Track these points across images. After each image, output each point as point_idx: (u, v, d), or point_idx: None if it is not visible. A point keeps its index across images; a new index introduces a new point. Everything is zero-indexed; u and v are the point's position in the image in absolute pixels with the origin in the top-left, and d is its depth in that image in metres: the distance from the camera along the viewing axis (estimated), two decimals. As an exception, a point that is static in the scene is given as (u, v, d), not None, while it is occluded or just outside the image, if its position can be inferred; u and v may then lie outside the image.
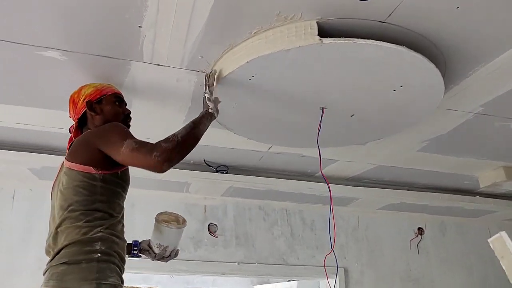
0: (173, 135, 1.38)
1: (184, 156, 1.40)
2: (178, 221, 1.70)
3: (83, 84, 1.64)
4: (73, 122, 1.63)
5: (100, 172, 1.40)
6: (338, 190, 2.98)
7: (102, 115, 1.57)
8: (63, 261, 1.29)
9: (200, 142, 2.39)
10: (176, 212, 1.75)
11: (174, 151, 1.33)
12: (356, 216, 3.62)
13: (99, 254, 1.31)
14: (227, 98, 1.73)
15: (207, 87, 1.59)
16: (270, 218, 3.38)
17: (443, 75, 1.58)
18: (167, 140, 1.35)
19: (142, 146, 1.34)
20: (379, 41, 1.36)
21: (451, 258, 3.74)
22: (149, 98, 1.92)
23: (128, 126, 1.63)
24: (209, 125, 1.56)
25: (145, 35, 1.47)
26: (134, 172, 2.51)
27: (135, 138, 1.39)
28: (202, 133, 1.51)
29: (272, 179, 2.86)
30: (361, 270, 3.47)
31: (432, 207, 3.46)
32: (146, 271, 3.05)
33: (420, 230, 3.76)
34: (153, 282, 6.48)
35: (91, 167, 1.39)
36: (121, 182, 1.48)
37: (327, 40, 1.36)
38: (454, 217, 3.75)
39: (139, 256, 1.78)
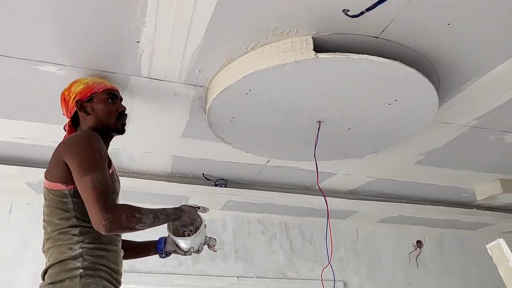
0: (139, 219, 1.26)
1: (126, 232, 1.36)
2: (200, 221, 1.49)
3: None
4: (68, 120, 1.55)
5: (70, 187, 1.32)
6: (336, 203, 2.99)
7: (94, 114, 1.48)
8: (49, 282, 1.27)
9: (199, 156, 2.45)
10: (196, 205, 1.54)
11: (122, 229, 1.28)
12: (355, 229, 3.61)
13: (81, 270, 1.26)
14: (225, 112, 1.75)
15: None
16: (269, 231, 3.38)
17: (437, 89, 1.60)
18: (131, 215, 1.25)
19: (106, 195, 1.25)
20: (373, 56, 1.39)
21: (450, 271, 3.73)
22: (147, 112, 1.93)
23: (123, 124, 1.54)
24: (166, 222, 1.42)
25: (143, 50, 1.50)
26: (130, 186, 2.55)
27: (105, 174, 1.29)
28: (155, 225, 1.35)
29: (271, 193, 2.87)
30: (361, 284, 3.45)
31: (431, 220, 3.46)
32: (144, 286, 3.03)
33: (419, 243, 3.75)
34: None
35: (60, 183, 1.32)
36: None
37: (322, 55, 1.38)
38: (453, 229, 3.75)
39: (168, 255, 1.65)
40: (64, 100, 1.53)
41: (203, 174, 2.73)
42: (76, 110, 1.49)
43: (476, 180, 2.79)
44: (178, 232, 1.54)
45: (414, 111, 1.75)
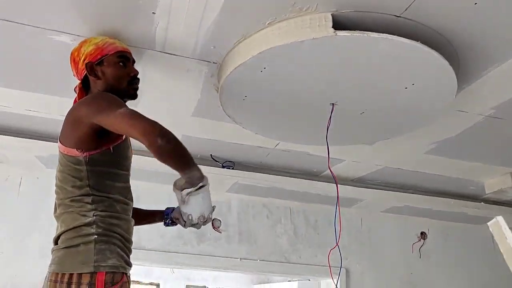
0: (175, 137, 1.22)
1: (170, 156, 1.22)
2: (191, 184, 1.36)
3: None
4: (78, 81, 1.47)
5: (85, 154, 1.28)
6: (343, 190, 2.97)
7: (104, 79, 1.40)
8: (62, 246, 1.28)
9: (208, 137, 2.43)
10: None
11: (175, 141, 1.20)
12: (359, 218, 3.61)
13: (95, 236, 1.26)
14: (237, 91, 1.72)
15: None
16: (273, 216, 3.38)
17: (456, 74, 1.57)
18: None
19: (142, 117, 1.21)
20: (393, 36, 1.36)
21: (452, 264, 3.73)
22: (159, 88, 1.92)
23: (135, 89, 1.47)
24: (184, 169, 1.28)
25: (158, 22, 1.47)
26: (140, 165, 2.54)
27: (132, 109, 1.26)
28: (184, 162, 1.27)
29: (278, 177, 2.86)
30: (362, 271, 3.46)
31: (436, 212, 3.44)
32: (148, 263, 3.05)
33: (423, 235, 3.74)
34: (154, 277, 6.49)
35: (75, 150, 1.28)
36: (115, 160, 1.35)
37: (341, 33, 1.35)
38: (458, 223, 3.74)
39: (175, 225, 1.62)
40: (74, 61, 1.45)
41: (211, 155, 2.72)
42: (85, 73, 1.42)
43: (486, 173, 2.76)
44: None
45: (431, 97, 1.72)
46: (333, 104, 1.79)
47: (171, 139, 1.19)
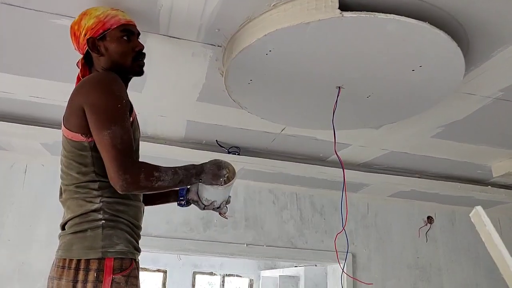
0: (158, 177, 1.21)
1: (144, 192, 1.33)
2: (228, 172, 1.44)
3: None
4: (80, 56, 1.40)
5: (90, 139, 1.24)
6: (349, 175, 2.97)
7: (107, 55, 1.33)
8: (69, 232, 1.26)
9: (213, 122, 2.42)
10: (226, 161, 1.47)
11: (140, 189, 1.22)
12: (366, 202, 3.61)
13: (103, 221, 1.24)
14: (243, 74, 1.71)
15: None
16: (280, 201, 3.39)
17: (465, 56, 1.54)
18: (149, 175, 1.20)
19: (125, 153, 1.19)
20: (401, 16, 1.33)
21: (459, 248, 3.73)
22: (163, 73, 1.90)
23: (141, 65, 1.39)
24: (188, 185, 1.38)
25: (162, 5, 1.45)
26: (146, 151, 2.54)
27: (126, 127, 1.22)
28: (176, 188, 1.37)
29: (284, 162, 2.85)
30: (369, 256, 3.47)
31: (443, 196, 3.43)
32: (155, 250, 3.07)
33: (430, 219, 3.74)
34: (161, 264, 6.57)
35: (79, 134, 1.24)
36: None
37: (348, 14, 1.33)
38: (465, 207, 3.72)
39: (189, 205, 1.58)
40: (74, 35, 1.37)
41: (216, 141, 2.72)
42: (87, 48, 1.34)
43: (493, 156, 2.74)
44: None
45: (438, 79, 1.70)
46: (339, 87, 1.77)
47: (134, 189, 1.20)
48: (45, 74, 1.93)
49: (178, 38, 1.63)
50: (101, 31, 1.33)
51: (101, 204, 1.26)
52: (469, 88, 1.90)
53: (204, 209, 1.51)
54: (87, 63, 1.38)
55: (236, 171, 1.48)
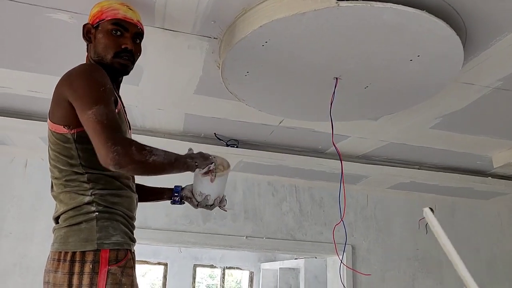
0: (150, 151, 1.16)
1: (137, 174, 1.26)
2: (222, 166, 1.45)
3: None
4: None
5: (73, 131, 1.22)
6: (348, 167, 2.96)
7: (94, 44, 1.32)
8: (64, 225, 1.25)
9: (211, 115, 2.41)
10: (219, 155, 1.48)
11: (135, 163, 1.14)
12: (365, 194, 3.61)
13: (97, 213, 1.23)
14: (239, 66, 1.70)
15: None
16: (279, 194, 3.39)
17: (463, 45, 1.53)
18: (141, 148, 1.15)
19: (113, 127, 1.15)
20: (398, 5, 1.32)
21: (459, 240, 3.73)
22: (160, 66, 1.89)
23: (122, 64, 1.32)
24: (185, 170, 1.30)
25: (157, -3, 1.44)
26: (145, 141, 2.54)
27: (110, 108, 1.18)
28: (169, 172, 1.25)
29: (282, 155, 2.85)
30: (368, 248, 3.48)
31: (443, 188, 3.43)
32: (155, 242, 3.09)
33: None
34: (162, 257, 6.60)
35: (62, 126, 1.22)
36: None
37: (344, 3, 1.31)
38: (465, 198, 3.72)
39: (182, 203, 1.57)
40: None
41: (215, 133, 2.71)
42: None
43: (493, 147, 2.73)
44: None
45: (436, 69, 1.69)
46: (336, 78, 1.77)
47: (126, 164, 1.13)
48: (43, 68, 1.93)
49: (174, 31, 1.62)
50: (97, 20, 1.32)
51: (92, 197, 1.24)
52: (468, 78, 1.89)
53: (197, 206, 1.50)
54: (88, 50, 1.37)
55: (231, 164, 1.47)
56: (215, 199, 1.47)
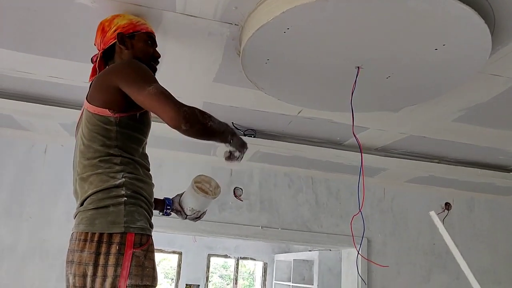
0: (210, 116, 1.31)
1: (198, 137, 1.33)
2: (212, 187, 1.72)
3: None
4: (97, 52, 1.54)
5: (116, 115, 1.34)
6: (366, 159, 2.93)
7: (132, 50, 1.48)
8: (91, 207, 1.30)
9: (229, 103, 2.40)
10: (211, 177, 1.75)
11: (200, 124, 1.26)
12: (382, 187, 3.57)
13: (125, 198, 1.31)
14: (260, 54, 1.68)
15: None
16: (295, 185, 3.38)
17: (491, 33, 1.48)
18: (203, 112, 1.29)
19: (174, 97, 1.27)
20: (425, -9, 1.28)
21: (477, 235, 3.67)
22: (180, 53, 1.89)
23: (155, 70, 1.56)
24: (224, 142, 1.41)
25: (179, -18, 1.43)
26: (161, 132, 2.54)
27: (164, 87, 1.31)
28: (215, 139, 1.39)
29: (300, 145, 2.83)
30: (384, 241, 3.45)
31: (462, 182, 3.37)
32: (170, 230, 3.11)
33: (448, 205, 3.68)
34: (177, 246, 6.66)
35: (107, 110, 1.34)
36: (139, 126, 1.41)
37: (369, -11, 1.28)
38: (484, 193, 3.65)
39: (169, 214, 1.81)
40: (103, 30, 1.50)
41: (232, 123, 2.70)
42: (113, 42, 1.48)
43: (517, 141, 2.66)
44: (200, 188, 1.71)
45: (462, 59, 1.64)
46: (358, 67, 1.73)
47: (195, 123, 1.24)
48: (64, 54, 1.94)
49: (195, 17, 1.61)
50: (131, 30, 1.49)
51: (123, 179, 1.33)
52: (495, 69, 1.83)
53: (186, 218, 1.69)
54: (104, 57, 1.51)
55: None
56: (201, 214, 1.70)
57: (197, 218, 1.73)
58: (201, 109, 1.30)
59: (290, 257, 6.24)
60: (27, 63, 2.05)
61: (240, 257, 7.08)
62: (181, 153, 3.08)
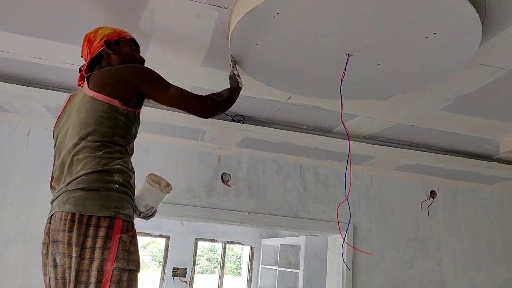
0: (220, 92, 1.63)
1: (223, 112, 1.67)
2: (162, 186, 1.72)
3: (98, 26, 1.65)
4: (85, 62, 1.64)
5: (124, 107, 1.45)
6: (354, 147, 2.94)
7: (119, 55, 1.60)
8: (80, 187, 1.31)
9: (218, 88, 2.34)
10: (161, 176, 1.76)
11: (222, 104, 1.61)
12: (370, 175, 3.59)
13: (116, 185, 1.36)
14: (249, 38, 1.65)
15: (235, 65, 1.79)
16: (283, 171, 3.38)
17: (482, 23, 1.47)
18: (216, 94, 1.61)
19: (191, 93, 1.56)
20: (418, -22, 1.26)
21: (460, 223, 3.74)
22: (168, 36, 1.84)
23: None
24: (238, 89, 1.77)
25: (167, -38, 1.38)
26: (149, 116, 2.51)
27: None
28: (235, 100, 1.74)
29: (288, 132, 2.82)
30: (370, 228, 3.49)
31: (447, 171, 3.40)
32: (158, 215, 3.09)
33: (433, 193, 3.73)
34: (164, 230, 6.67)
35: (117, 101, 1.44)
36: (135, 123, 1.54)
37: (361, -26, 1.26)
38: (469, 182, 3.71)
39: None
40: (89, 41, 1.60)
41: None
42: (99, 50, 1.58)
43: (503, 131, 2.69)
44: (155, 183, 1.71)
45: (452, 48, 1.63)
46: (348, 54, 1.71)
47: (216, 109, 1.60)
48: (47, 34, 1.88)
49: (183, -2, 1.57)
50: (116, 38, 1.62)
51: (119, 166, 1.38)
52: (484, 59, 1.83)
53: (139, 215, 1.67)
54: (91, 66, 1.62)
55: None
56: (154, 211, 1.70)
57: (150, 215, 1.73)
58: (212, 93, 1.61)
59: (277, 242, 6.29)
60: (7, 42, 1.98)
61: (228, 242, 7.12)
62: (168, 138, 3.05)
